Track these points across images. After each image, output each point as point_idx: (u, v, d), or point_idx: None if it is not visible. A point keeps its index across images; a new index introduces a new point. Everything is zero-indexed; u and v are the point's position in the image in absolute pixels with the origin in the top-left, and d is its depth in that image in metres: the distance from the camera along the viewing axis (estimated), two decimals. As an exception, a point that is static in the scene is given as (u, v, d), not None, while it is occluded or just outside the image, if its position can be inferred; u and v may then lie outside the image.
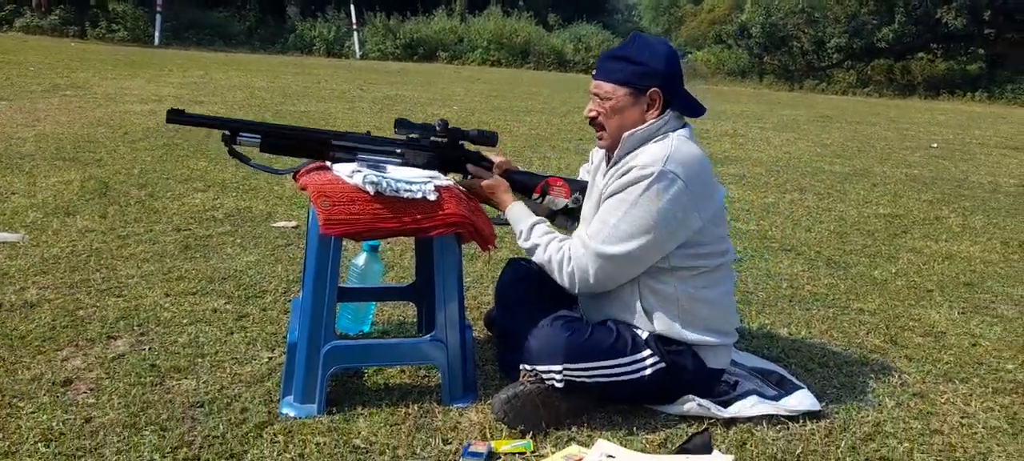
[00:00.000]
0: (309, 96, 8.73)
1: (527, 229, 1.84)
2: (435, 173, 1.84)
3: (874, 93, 17.95)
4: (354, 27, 19.64)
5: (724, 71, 20.03)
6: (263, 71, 11.82)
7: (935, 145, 8.01)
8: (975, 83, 18.01)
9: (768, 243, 3.57)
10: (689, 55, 21.92)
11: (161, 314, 2.23)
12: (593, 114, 1.83)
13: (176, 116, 1.79)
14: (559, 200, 1.97)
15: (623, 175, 1.74)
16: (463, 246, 1.87)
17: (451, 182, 1.82)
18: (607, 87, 1.79)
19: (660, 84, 1.77)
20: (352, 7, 19.68)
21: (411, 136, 1.90)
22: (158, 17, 18.05)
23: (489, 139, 1.91)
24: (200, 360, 1.94)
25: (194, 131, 5.56)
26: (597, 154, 1.97)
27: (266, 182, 4.09)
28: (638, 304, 1.79)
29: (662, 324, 1.78)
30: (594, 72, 1.85)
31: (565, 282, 1.78)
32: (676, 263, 1.77)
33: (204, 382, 1.83)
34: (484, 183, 1.91)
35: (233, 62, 13.48)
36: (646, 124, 1.77)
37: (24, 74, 8.63)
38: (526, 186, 1.99)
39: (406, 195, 1.71)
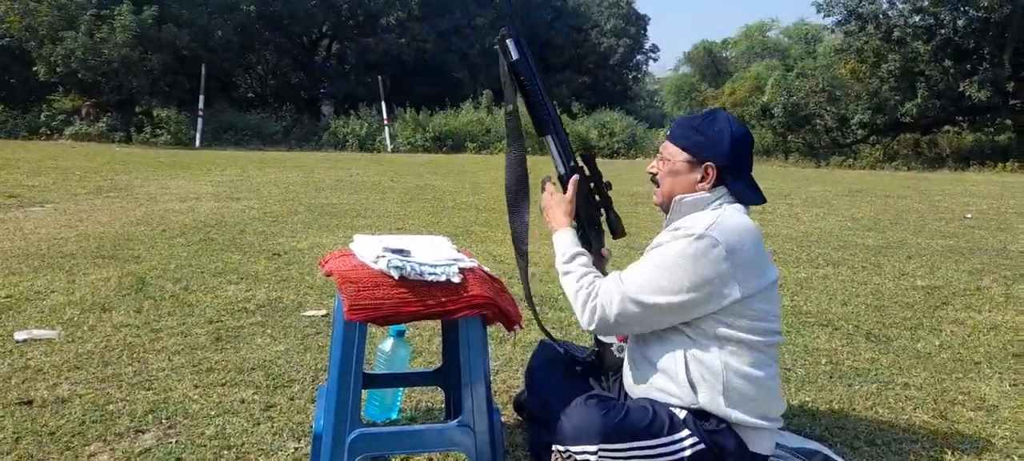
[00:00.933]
0: (341, 188, 8.94)
1: (569, 256, 1.83)
2: (459, 256, 1.84)
3: (902, 167, 17.82)
4: (385, 122, 20.28)
5: (750, 151, 20.08)
6: (298, 167, 12.17)
7: (969, 215, 7.86)
8: (1006, 153, 17.81)
9: (804, 318, 3.49)
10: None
11: (189, 406, 2.22)
12: (653, 171, 1.89)
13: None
14: (612, 337, 1.97)
15: (671, 232, 1.77)
16: (491, 329, 1.85)
17: (475, 264, 1.82)
18: (671, 149, 1.86)
19: (717, 162, 1.80)
20: (383, 104, 20.38)
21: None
22: (199, 121, 18.87)
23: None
24: (226, 452, 1.92)
25: (230, 225, 5.70)
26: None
27: (298, 274, 4.14)
28: (683, 374, 1.73)
29: (706, 397, 1.72)
30: (667, 132, 1.94)
31: (583, 315, 1.75)
32: (721, 332, 1.72)
33: (230, 474, 1.80)
34: (552, 197, 1.91)
35: (269, 160, 13.93)
36: (696, 194, 1.80)
37: (69, 178, 9.00)
38: None
39: (430, 278, 1.71)
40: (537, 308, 2.03)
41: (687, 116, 1.93)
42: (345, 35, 26.06)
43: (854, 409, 2.37)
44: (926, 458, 2.01)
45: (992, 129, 19.54)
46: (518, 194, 1.93)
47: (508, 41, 1.94)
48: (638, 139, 20.90)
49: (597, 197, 1.97)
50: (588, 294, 1.74)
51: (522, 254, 1.93)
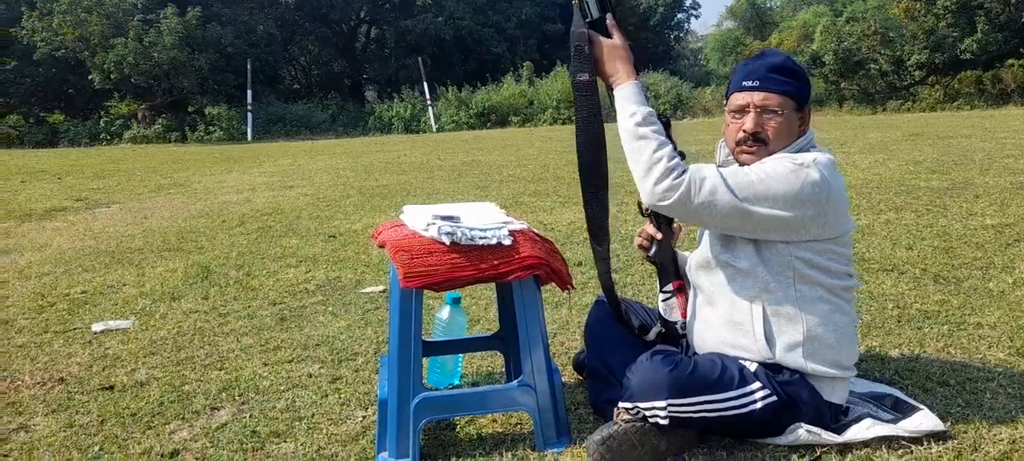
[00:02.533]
0: (389, 170, 9.05)
1: (643, 115, 1.65)
2: (509, 219, 1.85)
3: (964, 106, 17.06)
4: (429, 103, 20.41)
5: (801, 102, 19.48)
6: (346, 153, 12.36)
7: (1043, 149, 7.49)
8: (1078, 82, 16.85)
9: (867, 265, 3.39)
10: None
11: (260, 383, 2.30)
12: (755, 129, 1.73)
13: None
14: (675, 314, 1.89)
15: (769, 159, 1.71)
16: (546, 294, 1.85)
17: (525, 226, 1.82)
18: (779, 100, 1.73)
19: (810, 102, 1.80)
20: (426, 85, 20.49)
21: None
22: (249, 115, 19.34)
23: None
24: (297, 423, 1.98)
25: (285, 212, 5.84)
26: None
27: (354, 253, 4.22)
28: (760, 328, 1.70)
29: (782, 350, 1.70)
30: (753, 83, 1.73)
31: (659, 185, 1.60)
32: (801, 272, 1.69)
33: (302, 444, 1.86)
34: (606, 43, 1.72)
35: (318, 148, 14.18)
36: (796, 142, 1.76)
37: (132, 180, 9.34)
38: (667, 268, 1.90)
39: (481, 242, 1.72)
40: (619, 299, 1.93)
41: (768, 63, 1.76)
42: (383, 19, 26.20)
43: (925, 351, 2.30)
44: (1004, 395, 1.94)
45: (1061, 58, 18.49)
46: (594, 177, 1.74)
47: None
48: (684, 99, 20.51)
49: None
50: (670, 167, 1.61)
51: (601, 241, 1.79)
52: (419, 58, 21.45)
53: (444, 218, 1.75)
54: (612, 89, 1.71)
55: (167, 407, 2.15)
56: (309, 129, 20.06)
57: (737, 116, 1.76)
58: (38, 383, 2.39)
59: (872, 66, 18.87)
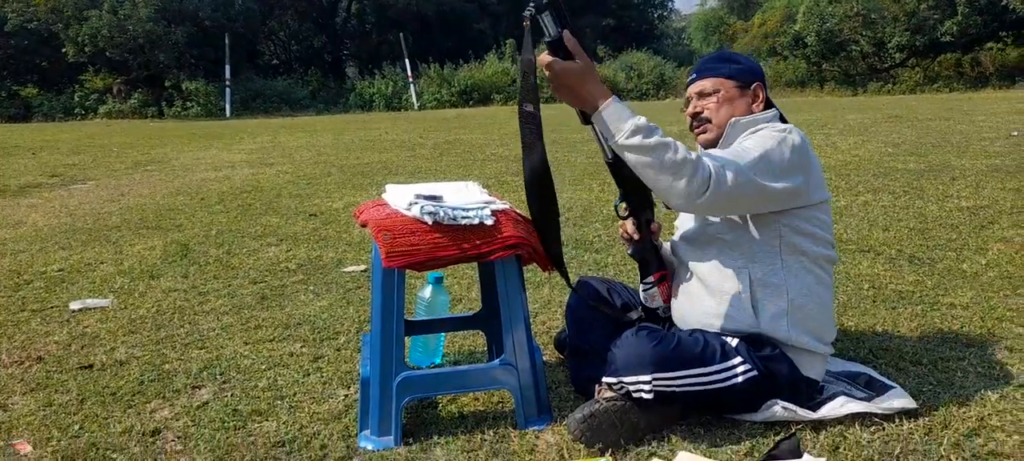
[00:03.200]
0: (371, 148, 8.99)
1: (644, 125, 1.57)
2: (491, 199, 1.85)
3: (944, 88, 17.24)
4: (410, 80, 20.24)
5: (782, 83, 19.63)
6: (327, 130, 12.25)
7: (1015, 132, 7.60)
8: (1055, 66, 17.08)
9: (845, 246, 3.43)
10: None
11: (241, 362, 2.29)
12: (698, 110, 1.83)
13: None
14: (657, 301, 1.91)
15: (752, 133, 1.74)
16: (528, 274, 1.86)
17: (507, 206, 1.82)
18: (713, 82, 1.83)
19: (761, 80, 1.85)
20: (407, 61, 20.30)
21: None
22: (227, 91, 19.08)
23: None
24: (279, 402, 1.99)
25: (265, 190, 5.79)
26: None
27: (335, 232, 4.20)
28: (747, 296, 1.74)
29: (768, 321, 1.73)
30: (692, 76, 1.88)
31: (690, 185, 1.54)
32: (788, 240, 1.73)
33: (284, 423, 1.86)
34: (574, 68, 1.60)
35: (299, 125, 14.04)
36: (752, 115, 1.81)
37: (108, 155, 9.19)
38: (649, 262, 1.91)
39: (464, 222, 1.72)
40: (567, 268, 1.91)
41: (707, 56, 1.92)
42: (364, -7, 25.91)
43: (899, 331, 2.35)
44: (974, 374, 1.98)
45: (1038, 42, 18.72)
46: (543, 196, 1.72)
47: (544, 16, 1.58)
48: (667, 79, 20.54)
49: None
50: (696, 164, 1.55)
51: (553, 237, 1.77)
52: (401, 34, 21.22)
53: (426, 197, 1.75)
54: (593, 113, 1.62)
55: (147, 386, 2.14)
56: (289, 105, 19.84)
57: (686, 109, 1.89)
58: (16, 362, 2.37)
59: (853, 48, 19.00)
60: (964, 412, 1.76)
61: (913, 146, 7.00)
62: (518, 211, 1.86)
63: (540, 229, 1.77)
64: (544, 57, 1.60)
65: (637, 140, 1.56)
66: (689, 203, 1.58)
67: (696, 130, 1.86)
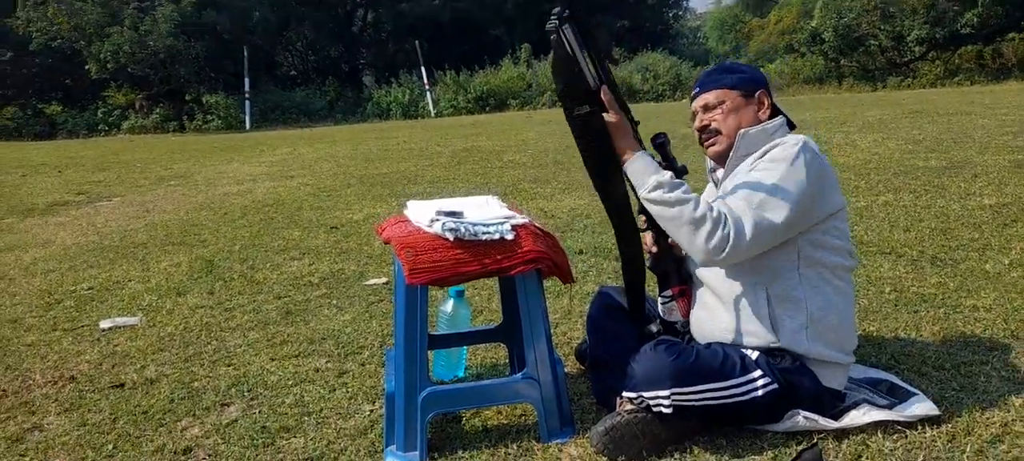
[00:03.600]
0: (389, 158, 9.06)
1: (668, 182, 1.67)
2: (511, 213, 1.88)
3: (965, 81, 17.00)
4: (427, 88, 20.35)
5: (800, 80, 19.47)
6: (346, 141, 12.36)
7: (1042, 126, 7.49)
8: (1079, 56, 16.78)
9: (866, 248, 3.42)
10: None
11: (268, 378, 2.34)
12: (705, 123, 1.85)
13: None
14: (676, 315, 1.92)
15: (764, 155, 1.75)
16: (547, 284, 1.88)
17: (527, 220, 1.85)
18: (717, 94, 1.84)
19: (765, 88, 1.86)
20: (423, 69, 20.43)
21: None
22: (247, 103, 19.30)
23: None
24: (306, 418, 2.03)
25: (287, 204, 5.87)
26: (709, 188, 1.99)
27: (356, 244, 4.26)
28: (765, 312, 1.74)
29: (787, 336, 1.73)
30: (696, 90, 1.89)
31: (710, 242, 1.62)
32: (807, 255, 1.74)
33: (312, 439, 1.90)
34: (607, 121, 1.70)
35: (317, 136, 14.17)
36: (761, 125, 1.81)
37: (132, 171, 9.35)
38: (669, 275, 1.93)
39: (485, 238, 1.75)
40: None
41: (708, 69, 1.94)
42: (379, 2, 26.06)
43: (921, 335, 2.34)
44: (997, 378, 1.98)
45: (1061, 32, 18.40)
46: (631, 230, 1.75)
47: (566, 28, 1.63)
48: (683, 79, 20.43)
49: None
50: (715, 221, 1.62)
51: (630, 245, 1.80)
52: (416, 41, 21.36)
53: (447, 214, 1.78)
54: (622, 165, 1.72)
55: (178, 404, 2.19)
56: (308, 116, 20.03)
57: (693, 123, 1.90)
58: (49, 382, 2.43)
59: (872, 42, 18.79)
60: (987, 417, 1.75)
61: (934, 142, 6.92)
62: (537, 225, 1.88)
63: (627, 262, 1.80)
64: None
65: (659, 194, 1.66)
66: (710, 259, 1.65)
67: (706, 143, 1.87)
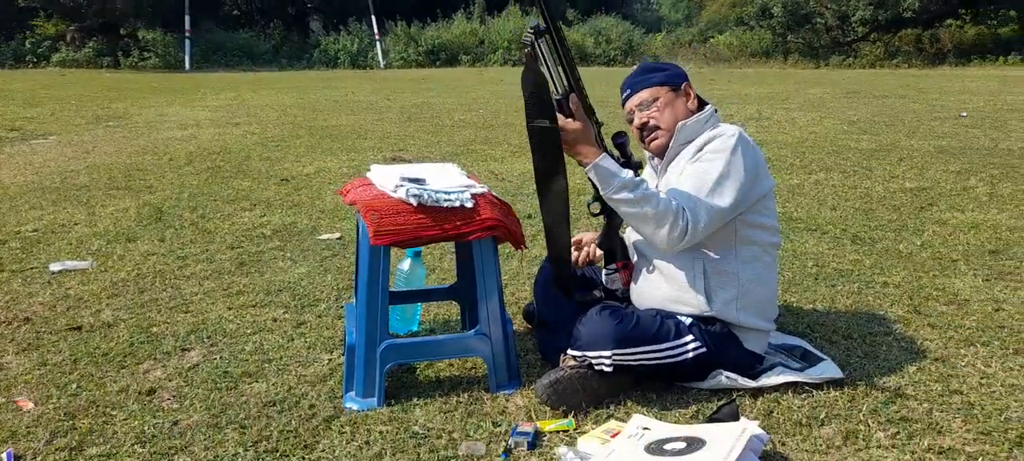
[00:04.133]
0: (338, 110, 8.98)
1: (630, 181, 1.81)
2: (470, 182, 1.99)
3: (903, 64, 17.71)
4: (377, 37, 19.99)
5: (747, 53, 19.92)
6: (292, 88, 12.14)
7: (964, 114, 7.95)
8: (1008, 46, 17.66)
9: (794, 224, 3.67)
10: (710, 39, 21.82)
11: (226, 326, 2.42)
12: (644, 119, 1.99)
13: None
14: (617, 284, 2.07)
15: (701, 149, 1.90)
16: (499, 247, 2.01)
17: (485, 189, 1.97)
18: (649, 92, 1.99)
19: (688, 82, 2.02)
20: (374, 18, 20.02)
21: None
22: (187, 42, 18.61)
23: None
24: (267, 365, 2.13)
25: (234, 152, 5.82)
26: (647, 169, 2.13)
27: (308, 198, 4.30)
28: (701, 284, 1.92)
29: (719, 305, 1.92)
30: (626, 94, 2.04)
31: (672, 233, 1.79)
32: (741, 234, 1.92)
33: (273, 384, 2.01)
34: (570, 127, 1.81)
35: (262, 81, 13.84)
36: (696, 116, 1.97)
37: (66, 108, 9.02)
38: (614, 252, 2.07)
39: (446, 204, 1.87)
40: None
41: (631, 73, 2.08)
42: (331, -54, 25.29)
43: (835, 307, 2.58)
44: (897, 348, 2.22)
45: (995, 22, 19.29)
46: (563, 223, 1.81)
47: (541, 42, 1.72)
48: (635, 45, 20.64)
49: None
50: (676, 213, 1.79)
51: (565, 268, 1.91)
52: (368, -11, 20.89)
53: (411, 180, 1.89)
54: (586, 167, 1.84)
55: (137, 348, 2.26)
56: (251, 59, 19.45)
57: (631, 122, 2.04)
58: (4, 322, 2.46)
59: (818, 20, 19.32)
60: (884, 382, 1.99)
61: (867, 124, 7.29)
62: (494, 194, 2.01)
63: (554, 256, 1.89)
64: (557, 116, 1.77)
65: (624, 195, 1.81)
66: (671, 248, 1.83)
67: (648, 139, 2.01)
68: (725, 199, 1.84)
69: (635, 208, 1.81)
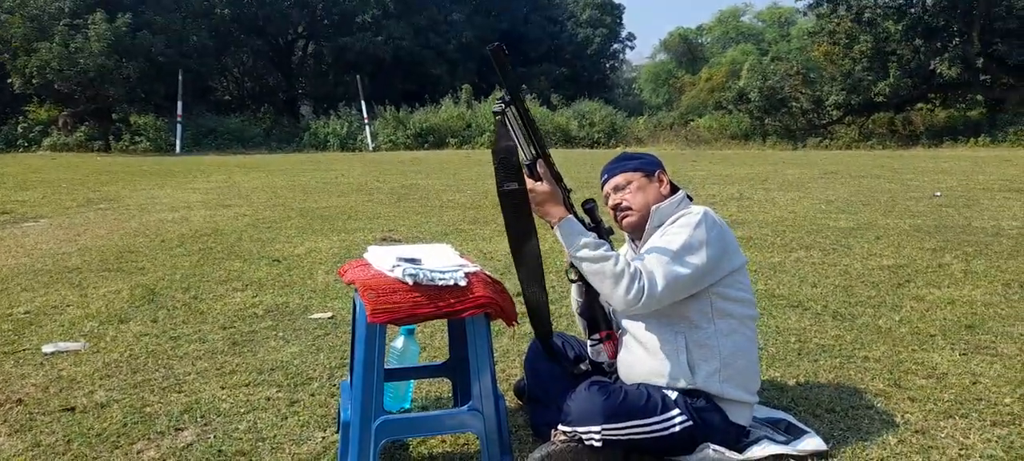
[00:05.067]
0: (329, 191, 9.12)
1: (593, 242, 1.93)
2: (464, 261, 2.08)
3: (877, 145, 18.27)
4: (366, 121, 20.42)
5: (727, 135, 20.50)
6: (282, 171, 12.31)
7: (938, 194, 8.21)
8: (978, 128, 18.32)
9: (776, 301, 3.76)
10: (691, 122, 22.47)
11: (220, 405, 2.44)
12: (618, 201, 2.14)
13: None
14: (603, 356, 2.14)
15: (673, 222, 2.02)
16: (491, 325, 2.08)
17: (478, 268, 2.05)
18: (624, 176, 2.15)
19: (661, 168, 2.17)
20: (363, 103, 20.50)
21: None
22: (178, 127, 18.92)
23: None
24: (261, 444, 2.15)
25: (226, 234, 5.88)
26: (626, 247, 2.25)
27: (299, 278, 4.35)
28: (684, 357, 2.00)
29: (702, 378, 1.99)
30: (604, 177, 2.19)
31: (628, 295, 1.89)
32: (717, 306, 2.01)
33: (267, 463, 2.02)
34: (538, 189, 1.94)
35: (252, 164, 14.03)
36: (669, 199, 2.11)
37: (57, 191, 9.10)
38: (597, 321, 2.15)
39: (440, 283, 1.94)
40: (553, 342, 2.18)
41: (613, 159, 2.23)
42: (321, 35, 26.08)
43: (818, 381, 2.64)
44: (879, 421, 2.28)
45: (964, 105, 20.08)
46: (538, 286, 1.97)
47: (510, 111, 1.85)
48: (618, 128, 21.20)
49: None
50: (632, 276, 1.90)
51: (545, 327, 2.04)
52: (357, 76, 21.45)
53: (407, 260, 1.97)
54: (553, 227, 1.98)
55: (131, 428, 2.27)
56: (241, 143, 19.76)
57: (607, 203, 2.20)
58: (-4, 404, 2.46)
59: (794, 104, 20.02)
60: (867, 453, 2.04)
61: (845, 203, 7.50)
62: (487, 273, 2.09)
63: (534, 315, 2.02)
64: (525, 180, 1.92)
65: (585, 252, 1.94)
66: (628, 308, 1.92)
67: (620, 218, 2.15)
68: (685, 267, 1.94)
69: (594, 265, 1.92)
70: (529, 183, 1.92)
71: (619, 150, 19.03)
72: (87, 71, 18.22)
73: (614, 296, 1.92)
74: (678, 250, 1.95)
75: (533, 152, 1.94)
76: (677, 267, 1.93)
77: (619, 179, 2.15)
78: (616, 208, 2.15)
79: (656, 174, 2.15)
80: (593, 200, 2.10)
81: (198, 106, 21.39)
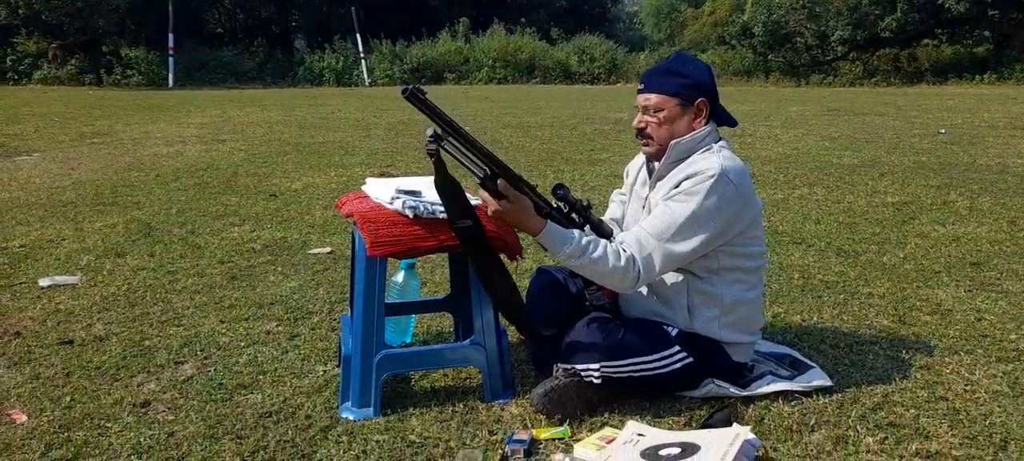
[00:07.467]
0: (325, 126, 8.99)
1: (578, 241, 1.82)
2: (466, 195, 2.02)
3: (882, 82, 18.00)
4: (362, 55, 20.03)
5: (730, 71, 20.17)
6: (277, 105, 12.13)
7: (943, 131, 8.11)
8: (983, 65, 18.00)
9: (780, 238, 3.72)
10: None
11: (219, 339, 2.42)
12: (643, 125, 1.98)
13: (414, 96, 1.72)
14: (603, 299, 2.07)
15: (680, 183, 1.90)
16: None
17: (479, 202, 2.00)
18: (658, 98, 1.96)
19: (706, 95, 1.97)
20: (359, 36, 20.08)
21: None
22: (171, 60, 18.53)
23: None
24: (262, 377, 2.13)
25: (221, 168, 5.81)
26: (633, 167, 2.16)
27: (297, 213, 4.30)
28: (684, 302, 1.95)
29: (702, 323, 1.95)
30: (641, 86, 2.01)
31: (625, 282, 1.84)
32: (724, 263, 1.94)
33: (268, 396, 2.01)
34: (508, 209, 1.80)
35: (247, 98, 13.82)
36: (692, 134, 1.95)
37: (50, 125, 8.96)
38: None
39: (441, 216, 1.89)
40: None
41: (657, 66, 2.05)
42: (315, -35, 25.39)
43: (822, 318, 2.62)
44: (883, 357, 2.26)
45: (971, 41, 19.69)
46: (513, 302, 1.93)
47: (446, 144, 1.72)
48: (618, 64, 20.84)
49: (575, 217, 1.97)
50: (625, 266, 1.82)
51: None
52: (352, 8, 20.94)
53: (407, 193, 1.91)
54: (535, 237, 1.84)
55: (131, 361, 2.25)
56: (235, 77, 19.41)
57: (635, 119, 2.05)
58: (-7, 337, 2.44)
59: (798, 40, 19.60)
60: (871, 389, 2.03)
61: (848, 141, 7.41)
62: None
63: (508, 313, 1.99)
64: (489, 201, 1.80)
65: (573, 262, 1.84)
66: (627, 292, 1.92)
67: (641, 142, 2.02)
68: (686, 245, 1.85)
69: (585, 269, 1.85)
70: (493, 206, 1.79)
71: (618, 85, 18.76)
72: (75, 1, 17.73)
73: (611, 286, 1.90)
74: (683, 224, 1.84)
75: (486, 170, 1.79)
76: (675, 246, 1.84)
77: (653, 98, 1.96)
78: (639, 132, 2.00)
79: (695, 104, 1.95)
80: (563, 185, 1.94)
81: (190, 39, 20.92)
